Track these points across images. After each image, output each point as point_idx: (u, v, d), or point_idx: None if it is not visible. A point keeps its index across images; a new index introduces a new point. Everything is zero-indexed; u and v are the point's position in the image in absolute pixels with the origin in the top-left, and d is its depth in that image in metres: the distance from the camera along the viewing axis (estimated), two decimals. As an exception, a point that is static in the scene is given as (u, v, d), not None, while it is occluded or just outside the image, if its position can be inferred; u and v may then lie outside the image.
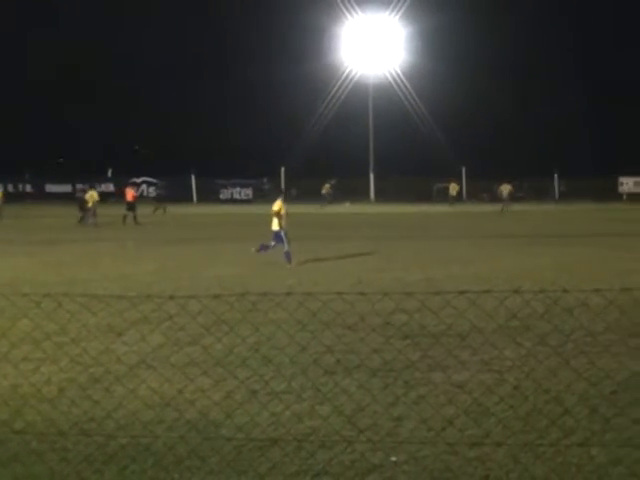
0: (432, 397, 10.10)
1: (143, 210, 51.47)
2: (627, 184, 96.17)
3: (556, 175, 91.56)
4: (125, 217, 47.76)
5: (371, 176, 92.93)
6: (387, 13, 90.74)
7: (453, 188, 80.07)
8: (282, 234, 25.52)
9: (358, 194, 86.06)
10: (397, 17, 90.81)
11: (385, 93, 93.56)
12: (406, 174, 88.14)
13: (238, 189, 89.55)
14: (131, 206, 48.77)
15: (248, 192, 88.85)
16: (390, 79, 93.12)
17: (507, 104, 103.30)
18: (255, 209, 56.68)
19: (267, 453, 8.41)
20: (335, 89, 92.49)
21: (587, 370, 10.93)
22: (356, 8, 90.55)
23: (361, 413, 9.45)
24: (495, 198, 73.94)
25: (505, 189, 71.08)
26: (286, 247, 25.37)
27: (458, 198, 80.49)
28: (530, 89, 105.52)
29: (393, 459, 8.17)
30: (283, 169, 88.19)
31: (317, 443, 8.63)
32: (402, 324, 13.65)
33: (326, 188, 77.75)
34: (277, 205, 26.07)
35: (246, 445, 8.61)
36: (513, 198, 70.44)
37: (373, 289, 18.28)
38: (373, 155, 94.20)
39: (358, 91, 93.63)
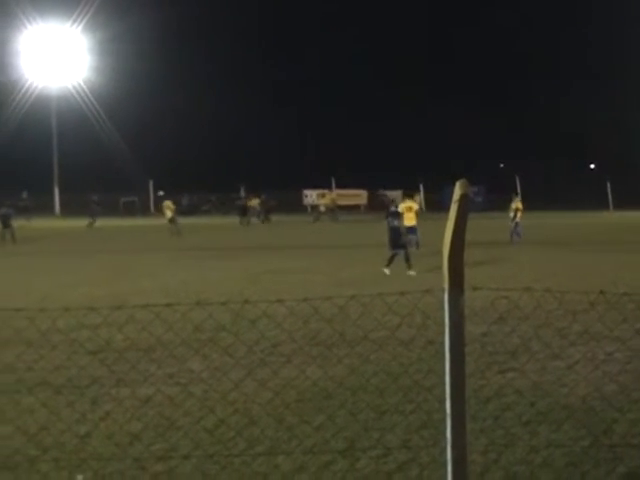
0: (118, 413, 9.96)
1: None
2: (310, 196, 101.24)
3: (242, 188, 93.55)
4: None
5: (56, 190, 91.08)
6: (69, 24, 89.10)
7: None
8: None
9: (44, 208, 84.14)
10: (79, 28, 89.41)
11: (69, 106, 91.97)
12: (93, 188, 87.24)
13: None
14: None
15: None
16: (74, 92, 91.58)
17: (192, 118, 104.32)
18: None
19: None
20: (16, 102, 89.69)
21: (271, 380, 11.14)
22: (37, 18, 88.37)
23: (45, 432, 9.18)
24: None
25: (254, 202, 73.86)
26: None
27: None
28: (219, 105, 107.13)
29: (79, 477, 8.02)
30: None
31: (-1, 465, 8.33)
32: (86, 340, 13.43)
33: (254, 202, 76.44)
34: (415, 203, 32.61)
35: None
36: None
37: (59, 305, 17.82)
38: (58, 169, 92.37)
39: (41, 104, 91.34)
